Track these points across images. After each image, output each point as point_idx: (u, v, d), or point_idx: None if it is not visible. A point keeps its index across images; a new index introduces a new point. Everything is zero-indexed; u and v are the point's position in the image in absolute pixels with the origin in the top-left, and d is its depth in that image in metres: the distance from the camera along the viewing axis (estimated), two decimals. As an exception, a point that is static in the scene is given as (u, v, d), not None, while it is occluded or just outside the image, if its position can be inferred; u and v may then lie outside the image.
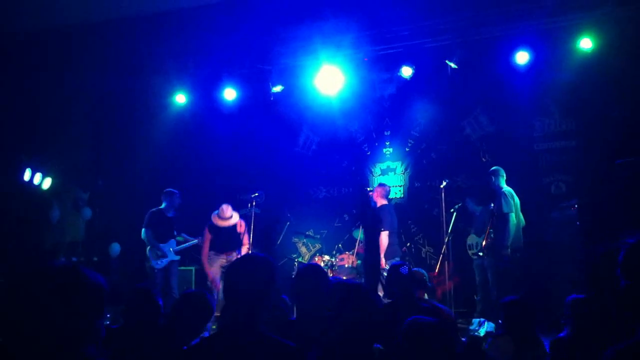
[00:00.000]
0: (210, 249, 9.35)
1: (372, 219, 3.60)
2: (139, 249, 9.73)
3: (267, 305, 2.80)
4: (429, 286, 5.28)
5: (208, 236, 9.41)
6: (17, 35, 9.98)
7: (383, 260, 8.98)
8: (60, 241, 10.86)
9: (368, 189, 9.92)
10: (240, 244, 9.42)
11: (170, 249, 9.44)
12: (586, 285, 7.58)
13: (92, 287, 2.02)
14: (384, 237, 8.99)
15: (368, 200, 3.61)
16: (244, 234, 9.52)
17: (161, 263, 9.33)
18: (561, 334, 5.04)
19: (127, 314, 4.25)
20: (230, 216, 9.39)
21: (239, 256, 9.20)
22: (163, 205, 9.51)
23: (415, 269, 5.55)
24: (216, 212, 9.41)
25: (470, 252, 9.06)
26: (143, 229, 9.31)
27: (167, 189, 9.63)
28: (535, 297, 7.14)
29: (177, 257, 9.53)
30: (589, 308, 5.04)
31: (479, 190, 9.52)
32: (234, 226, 9.43)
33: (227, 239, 9.41)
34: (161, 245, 9.36)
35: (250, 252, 9.33)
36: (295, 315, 3.68)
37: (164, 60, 10.66)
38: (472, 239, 9.12)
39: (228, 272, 2.96)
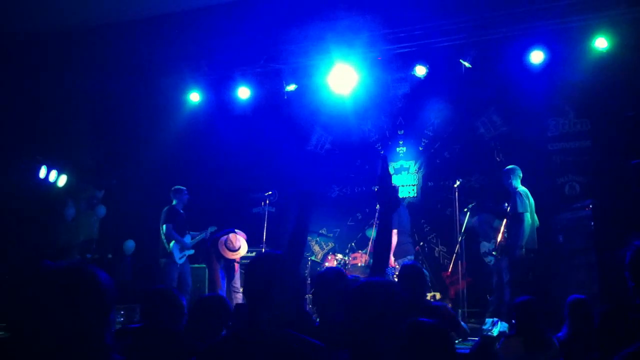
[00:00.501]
0: (226, 278, 9.46)
1: (390, 194, 3.51)
2: (154, 247, 9.81)
3: (269, 304, 2.78)
4: (428, 285, 5.28)
5: (217, 266, 9.43)
6: (36, 35, 10.06)
7: (392, 259, 9.00)
8: (75, 239, 10.93)
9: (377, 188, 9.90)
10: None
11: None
12: (598, 286, 7.58)
13: (98, 285, 2.05)
14: (393, 236, 9.00)
15: (388, 174, 3.48)
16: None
17: (183, 258, 9.46)
18: (559, 334, 5.04)
19: (150, 315, 4.19)
20: (239, 247, 9.45)
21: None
22: (175, 202, 9.63)
23: None
24: (224, 238, 9.47)
25: (486, 260, 9.04)
26: (164, 225, 9.42)
27: (176, 187, 9.77)
28: (546, 298, 7.14)
29: (192, 251, 9.66)
30: (588, 308, 5.04)
31: (493, 191, 9.49)
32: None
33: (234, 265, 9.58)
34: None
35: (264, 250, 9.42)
36: (318, 321, 3.65)
37: (177, 60, 10.71)
38: (484, 246, 9.12)
39: (247, 271, 2.98)
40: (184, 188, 9.81)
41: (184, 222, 9.65)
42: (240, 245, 9.42)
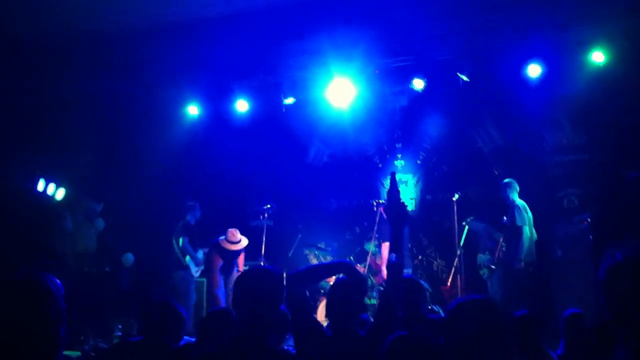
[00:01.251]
0: (220, 278, 9.54)
1: (400, 209, 3.56)
2: (153, 259, 9.85)
3: (271, 319, 2.80)
4: (427, 299, 5.26)
5: (218, 262, 9.54)
6: (30, 42, 10.05)
7: (385, 272, 8.98)
8: (73, 252, 10.90)
9: (378, 201, 9.91)
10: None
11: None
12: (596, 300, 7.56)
13: (44, 297, 2.04)
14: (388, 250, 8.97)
15: (397, 190, 3.56)
16: (241, 251, 9.80)
17: (198, 272, 9.71)
18: (558, 351, 4.99)
19: (150, 328, 4.14)
20: (239, 240, 9.61)
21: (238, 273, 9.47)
22: (188, 217, 9.78)
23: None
24: (223, 236, 9.61)
25: (480, 272, 9.03)
26: (181, 239, 9.58)
27: (190, 202, 10.04)
28: (545, 312, 7.11)
29: (203, 267, 9.88)
30: (584, 323, 5.01)
31: (491, 204, 9.49)
32: (237, 251, 9.69)
33: (235, 262, 9.65)
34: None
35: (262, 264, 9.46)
36: (330, 332, 3.67)
37: (176, 72, 10.71)
38: (479, 258, 9.12)
39: (235, 285, 3.01)
40: (197, 204, 10.05)
41: (196, 237, 9.78)
42: (240, 238, 9.61)
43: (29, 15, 9.28)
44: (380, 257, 9.55)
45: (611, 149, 9.10)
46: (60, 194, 10.94)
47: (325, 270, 3.99)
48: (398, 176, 10.83)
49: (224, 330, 4.19)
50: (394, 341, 2.85)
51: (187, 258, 9.61)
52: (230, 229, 9.61)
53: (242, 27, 9.60)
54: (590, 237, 8.02)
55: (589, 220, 8.20)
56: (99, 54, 10.15)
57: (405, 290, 4.93)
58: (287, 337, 4.91)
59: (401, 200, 3.58)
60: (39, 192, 10.60)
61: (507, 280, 8.23)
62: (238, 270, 9.83)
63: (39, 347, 1.98)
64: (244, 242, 9.68)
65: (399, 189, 3.62)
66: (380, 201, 9.81)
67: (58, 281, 3.82)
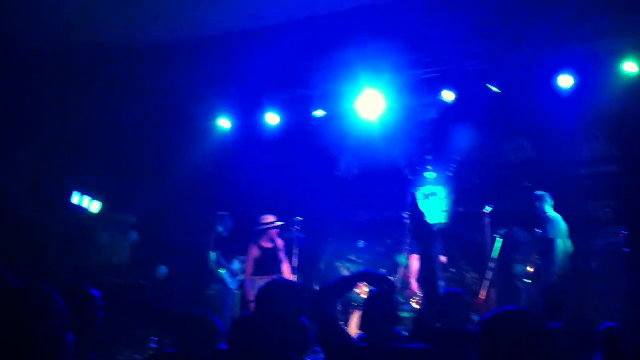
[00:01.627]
0: (255, 270, 9.53)
1: (424, 228, 3.59)
2: (186, 272, 9.94)
3: (292, 331, 2.85)
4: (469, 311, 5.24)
5: (254, 253, 9.58)
6: (63, 58, 10.23)
7: (415, 284, 8.99)
8: (107, 264, 11.05)
9: (409, 214, 9.86)
10: (279, 264, 9.68)
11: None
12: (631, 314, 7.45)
13: (44, 307, 2.08)
14: (417, 262, 8.96)
15: (419, 210, 3.59)
16: (282, 250, 9.80)
17: (235, 284, 9.67)
18: None
19: (184, 341, 4.19)
20: (272, 220, 9.75)
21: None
22: (220, 229, 9.83)
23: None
24: (259, 227, 9.75)
25: (515, 282, 8.96)
26: (212, 253, 9.62)
27: (219, 213, 10.12)
28: (577, 325, 7.04)
29: (242, 277, 9.89)
30: (621, 337, 4.94)
31: (524, 216, 9.41)
32: (276, 247, 9.67)
33: (271, 258, 9.63)
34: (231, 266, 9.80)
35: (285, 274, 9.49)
36: (365, 344, 3.72)
37: (206, 86, 10.85)
38: (517, 269, 9.04)
39: (256, 296, 3.08)
40: (227, 214, 10.13)
41: (230, 248, 9.85)
42: (271, 219, 9.78)
43: (55, 28, 9.48)
44: (410, 270, 9.54)
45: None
46: (95, 206, 11.11)
47: (348, 282, 4.01)
48: (429, 189, 10.94)
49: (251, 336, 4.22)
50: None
51: (222, 271, 9.66)
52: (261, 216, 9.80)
53: (271, 40, 9.69)
54: (625, 250, 7.93)
55: (624, 232, 8.10)
56: (130, 70, 10.31)
57: (445, 303, 4.95)
58: (310, 351, 4.94)
59: (425, 219, 3.60)
60: (74, 204, 10.77)
61: (542, 293, 8.15)
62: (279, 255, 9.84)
63: (38, 353, 2.02)
64: (278, 223, 9.80)
65: (421, 208, 3.65)
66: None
67: (95, 291, 3.92)
